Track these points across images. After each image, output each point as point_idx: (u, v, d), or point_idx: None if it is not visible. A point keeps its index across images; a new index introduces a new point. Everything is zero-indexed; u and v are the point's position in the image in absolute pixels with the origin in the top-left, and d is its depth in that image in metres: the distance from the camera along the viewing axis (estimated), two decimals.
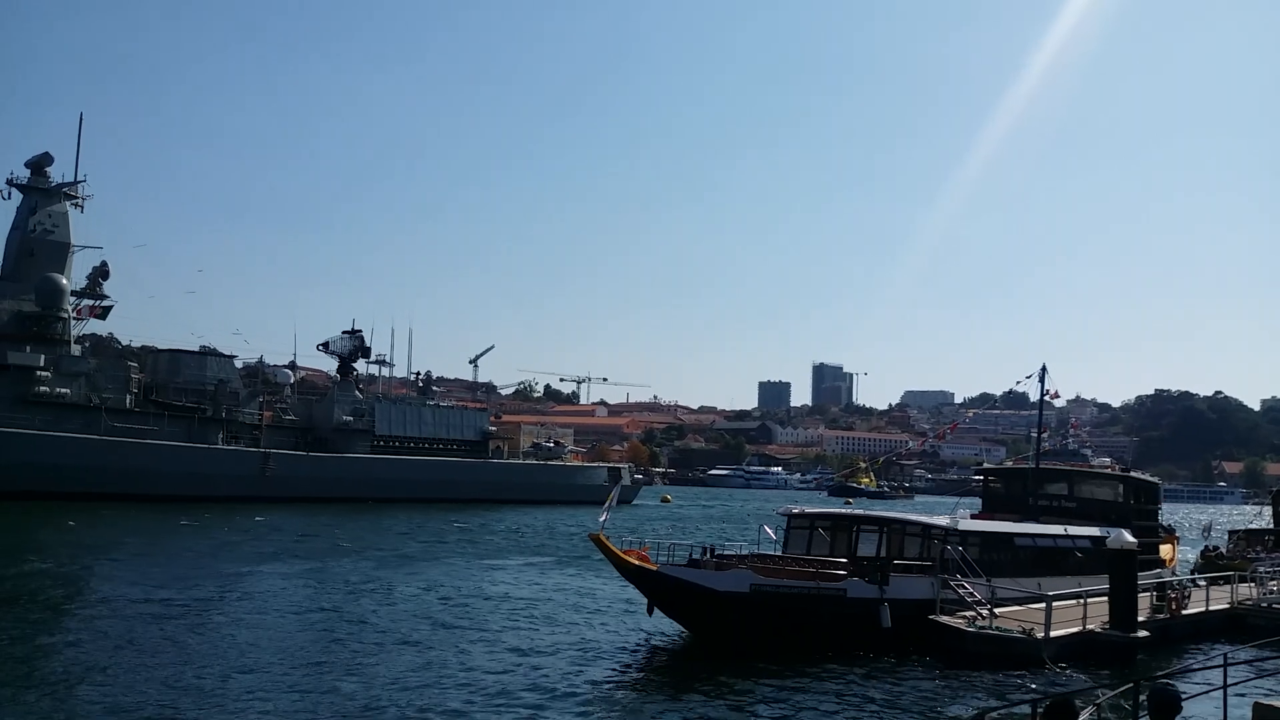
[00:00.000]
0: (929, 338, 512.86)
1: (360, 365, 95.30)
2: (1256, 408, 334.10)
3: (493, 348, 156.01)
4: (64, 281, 72.59)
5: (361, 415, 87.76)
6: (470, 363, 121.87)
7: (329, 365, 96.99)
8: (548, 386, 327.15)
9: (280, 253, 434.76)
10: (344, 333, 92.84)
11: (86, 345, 75.36)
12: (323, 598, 30.34)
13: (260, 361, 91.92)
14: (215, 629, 24.41)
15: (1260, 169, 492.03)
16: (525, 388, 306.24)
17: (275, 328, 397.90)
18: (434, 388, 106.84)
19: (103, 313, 76.66)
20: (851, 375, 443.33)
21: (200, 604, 27.92)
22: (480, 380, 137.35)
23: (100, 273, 75.82)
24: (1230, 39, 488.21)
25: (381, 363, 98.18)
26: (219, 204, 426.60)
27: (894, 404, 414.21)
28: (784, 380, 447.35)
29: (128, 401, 72.80)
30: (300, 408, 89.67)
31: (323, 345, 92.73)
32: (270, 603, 28.85)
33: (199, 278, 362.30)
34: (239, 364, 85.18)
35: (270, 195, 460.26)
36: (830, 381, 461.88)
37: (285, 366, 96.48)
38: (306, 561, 39.38)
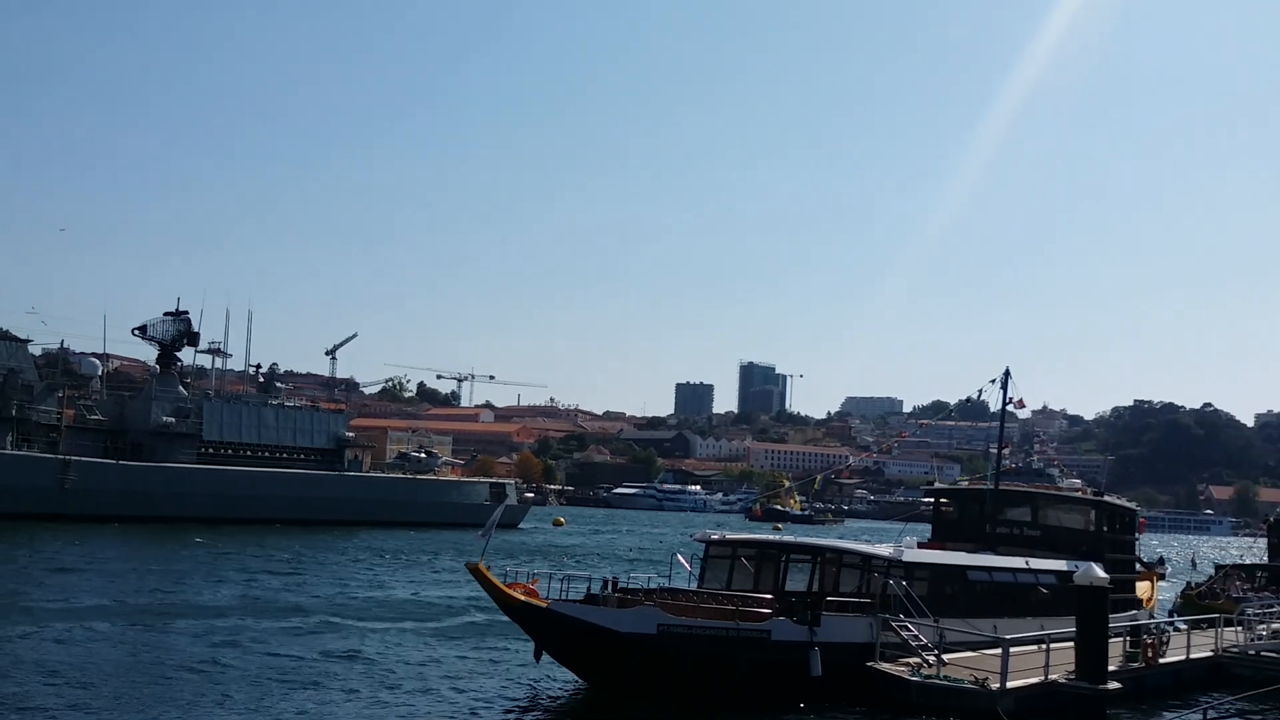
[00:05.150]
0: (875, 336, 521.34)
1: (187, 355, 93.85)
2: (1250, 423, 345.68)
3: (355, 336, 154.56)
4: None
5: (186, 416, 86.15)
6: (327, 354, 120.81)
7: (147, 354, 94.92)
8: (422, 385, 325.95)
9: (91, 212, 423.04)
10: (166, 314, 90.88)
11: None
12: (128, 646, 29.63)
13: (62, 347, 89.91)
14: None
15: (1266, 157, 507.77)
16: (394, 385, 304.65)
17: (81, 306, 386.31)
18: (279, 383, 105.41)
19: None
20: (785, 378, 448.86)
21: None
22: (339, 375, 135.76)
23: None
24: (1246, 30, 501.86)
25: (214, 352, 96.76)
26: (18, 150, 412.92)
27: (833, 412, 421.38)
28: (705, 382, 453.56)
29: None
30: (110, 405, 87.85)
31: (139, 329, 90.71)
32: (56, 655, 28.03)
33: None
34: (35, 350, 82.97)
35: (86, 141, 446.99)
36: (760, 385, 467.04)
37: (92, 355, 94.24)
38: (108, 597, 38.43)
